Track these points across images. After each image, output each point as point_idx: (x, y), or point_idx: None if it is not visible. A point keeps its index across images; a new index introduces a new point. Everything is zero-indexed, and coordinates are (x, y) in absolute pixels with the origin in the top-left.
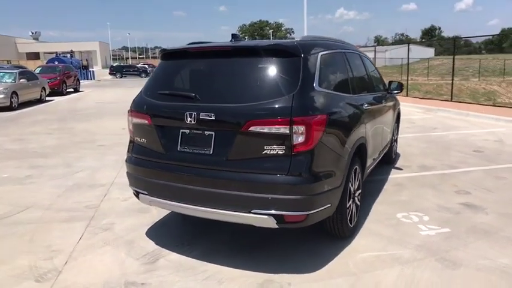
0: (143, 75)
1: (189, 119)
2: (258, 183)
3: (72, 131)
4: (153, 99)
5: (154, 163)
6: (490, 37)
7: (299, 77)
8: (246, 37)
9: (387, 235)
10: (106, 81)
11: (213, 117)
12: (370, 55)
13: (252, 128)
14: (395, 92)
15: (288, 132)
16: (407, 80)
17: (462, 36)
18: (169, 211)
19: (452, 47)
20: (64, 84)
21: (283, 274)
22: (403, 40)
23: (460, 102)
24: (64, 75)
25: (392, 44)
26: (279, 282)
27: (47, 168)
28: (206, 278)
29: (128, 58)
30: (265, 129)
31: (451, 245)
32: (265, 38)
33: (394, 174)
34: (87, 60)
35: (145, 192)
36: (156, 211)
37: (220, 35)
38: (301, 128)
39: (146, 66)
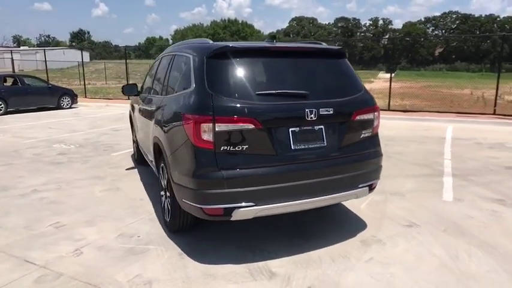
0: None
1: (310, 115)
2: (362, 162)
3: None
4: (254, 101)
5: (265, 168)
6: (137, 44)
7: (356, 74)
8: None
9: None
10: None
11: (331, 112)
12: (14, 57)
13: (357, 117)
14: None
15: (372, 117)
16: (85, 84)
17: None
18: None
19: (103, 51)
20: None
21: (360, 234)
22: (49, 42)
23: None
24: None
25: (38, 45)
26: (369, 238)
27: None
28: (332, 260)
29: None
30: (363, 117)
31: (386, 187)
32: None
33: None
34: None
35: (252, 204)
36: (155, 243)
37: None
38: (377, 114)
39: None
